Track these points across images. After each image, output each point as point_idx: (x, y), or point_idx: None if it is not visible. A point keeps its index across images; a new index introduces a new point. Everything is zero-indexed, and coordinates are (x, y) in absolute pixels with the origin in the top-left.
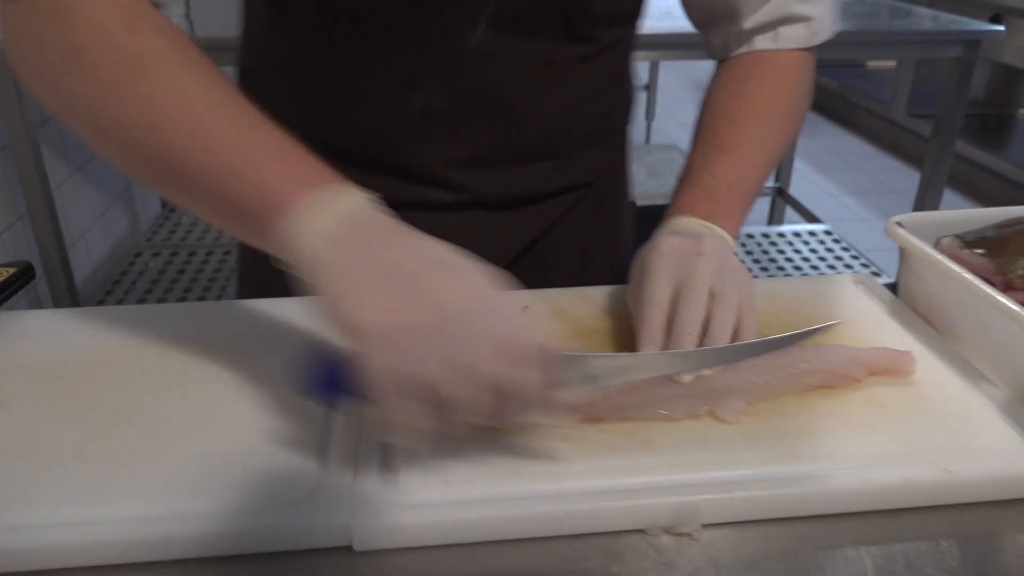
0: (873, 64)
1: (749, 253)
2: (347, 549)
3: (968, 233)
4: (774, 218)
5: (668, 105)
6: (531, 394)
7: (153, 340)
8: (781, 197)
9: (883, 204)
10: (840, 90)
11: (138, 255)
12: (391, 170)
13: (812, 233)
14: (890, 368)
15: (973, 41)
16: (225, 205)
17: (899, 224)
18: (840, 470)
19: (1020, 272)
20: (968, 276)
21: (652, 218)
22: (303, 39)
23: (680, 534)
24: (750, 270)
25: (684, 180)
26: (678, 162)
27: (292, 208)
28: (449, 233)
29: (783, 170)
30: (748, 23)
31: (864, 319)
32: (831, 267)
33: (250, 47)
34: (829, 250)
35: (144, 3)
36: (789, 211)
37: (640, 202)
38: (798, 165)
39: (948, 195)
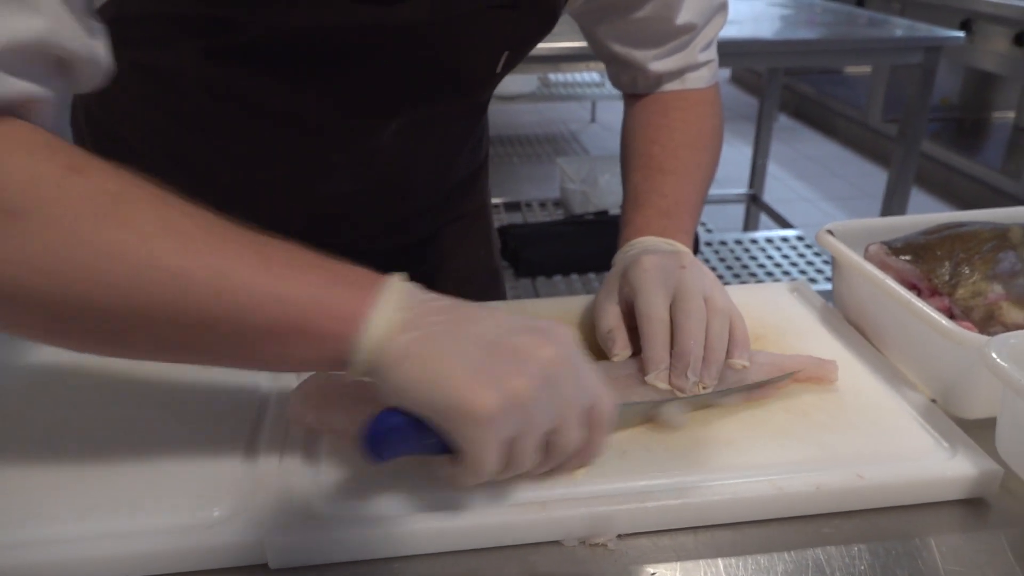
0: (850, 70)
1: (723, 260)
2: (264, 567)
3: (896, 240)
4: (749, 224)
5: None
6: (594, 455)
7: (85, 362)
8: (755, 204)
9: (859, 209)
10: (818, 96)
11: None
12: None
13: (785, 239)
14: (813, 376)
15: (934, 48)
16: (262, 338)
17: (830, 232)
18: (754, 478)
19: (945, 277)
20: (891, 282)
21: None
22: (191, 120)
23: (596, 544)
24: (721, 277)
25: (633, 202)
26: None
27: (356, 313)
28: None
29: (756, 177)
30: (654, 67)
31: (796, 327)
32: (802, 272)
33: (102, 104)
34: (801, 255)
35: (65, 142)
36: (764, 218)
37: (613, 211)
38: (776, 171)
39: (924, 198)
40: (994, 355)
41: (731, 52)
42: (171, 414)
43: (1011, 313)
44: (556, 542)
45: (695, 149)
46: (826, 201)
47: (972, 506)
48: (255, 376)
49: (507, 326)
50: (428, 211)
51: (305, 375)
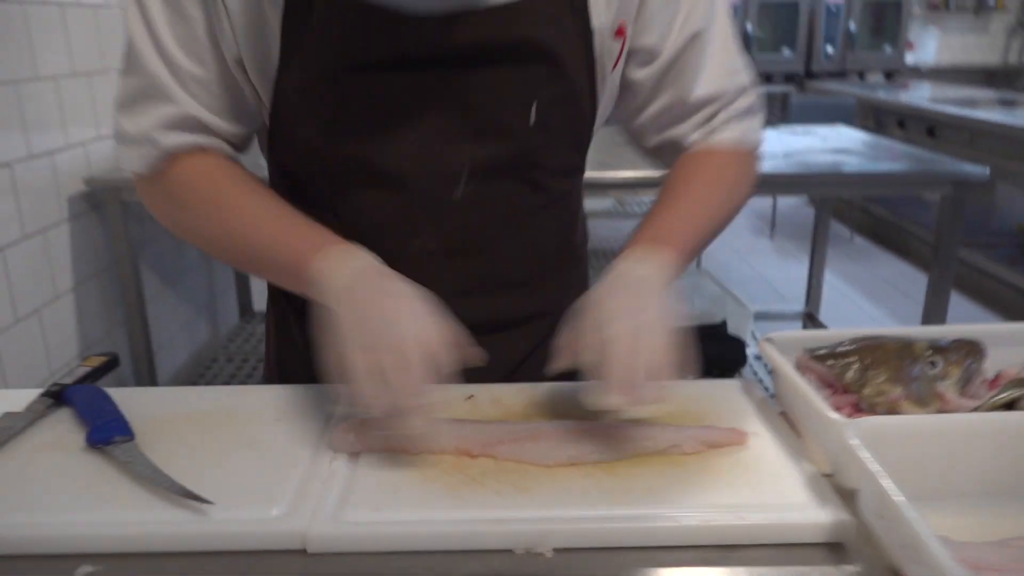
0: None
1: None
2: (301, 552)
3: (820, 348)
4: None
5: None
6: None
7: (195, 412)
8: (811, 321)
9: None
10: (893, 218)
11: (215, 360)
12: None
13: None
14: (724, 442)
15: (960, 182)
16: (274, 265)
17: (769, 340)
18: (662, 514)
19: (855, 378)
20: (799, 379)
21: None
22: (313, 195)
23: (537, 553)
24: (766, 389)
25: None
26: None
27: (312, 260)
28: None
29: (812, 294)
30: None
31: (737, 416)
32: None
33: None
34: None
35: (220, 158)
36: None
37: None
38: (846, 291)
39: (970, 306)
40: (848, 436)
41: (777, 182)
42: (250, 443)
43: (910, 409)
44: (509, 550)
45: (713, 186)
46: (892, 320)
47: (834, 549)
48: (316, 413)
49: (394, 292)
50: (516, 285)
51: (346, 415)
